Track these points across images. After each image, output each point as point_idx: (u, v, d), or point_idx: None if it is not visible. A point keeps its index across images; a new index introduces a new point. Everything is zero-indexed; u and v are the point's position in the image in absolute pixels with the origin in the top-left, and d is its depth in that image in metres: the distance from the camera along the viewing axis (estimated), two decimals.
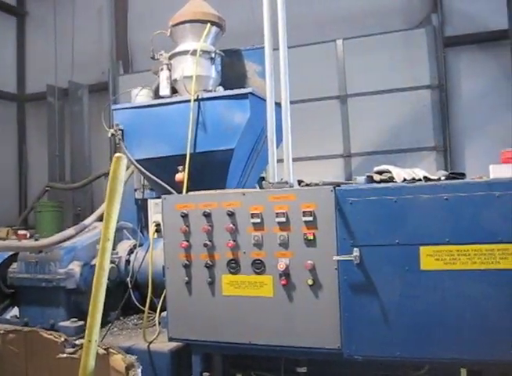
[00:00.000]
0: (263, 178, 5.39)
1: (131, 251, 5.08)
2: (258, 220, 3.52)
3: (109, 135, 4.92)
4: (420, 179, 3.42)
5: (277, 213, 3.46)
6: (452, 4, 7.91)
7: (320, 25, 8.04)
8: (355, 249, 3.26)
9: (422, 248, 3.20)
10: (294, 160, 4.16)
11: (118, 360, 2.60)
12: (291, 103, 4.16)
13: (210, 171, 4.65)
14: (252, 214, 3.53)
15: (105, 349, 2.75)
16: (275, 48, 4.10)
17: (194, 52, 4.87)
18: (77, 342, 2.91)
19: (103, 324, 4.48)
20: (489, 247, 3.11)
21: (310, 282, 3.39)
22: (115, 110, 5.08)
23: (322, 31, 7.88)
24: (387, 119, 7.90)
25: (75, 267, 4.68)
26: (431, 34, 7.52)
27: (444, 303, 3.21)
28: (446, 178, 3.43)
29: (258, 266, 3.54)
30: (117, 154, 2.52)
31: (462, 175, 3.44)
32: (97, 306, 2.52)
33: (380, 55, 7.87)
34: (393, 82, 7.55)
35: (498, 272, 3.11)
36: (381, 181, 3.46)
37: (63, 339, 2.94)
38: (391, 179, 3.44)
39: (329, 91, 7.64)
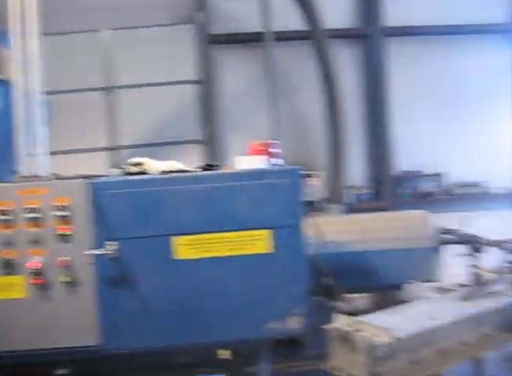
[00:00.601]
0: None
1: None
2: (7, 217, 3.26)
3: None
4: (176, 171, 3.49)
5: (28, 208, 3.25)
6: (217, 3, 8.21)
7: (85, 14, 7.74)
8: (111, 242, 3.21)
9: (177, 238, 3.29)
10: (55, 153, 3.96)
11: None
12: (49, 93, 3.94)
13: None
14: None
15: None
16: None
17: None
18: None
19: None
20: (239, 234, 3.31)
21: (66, 279, 3.26)
22: None
23: (87, 20, 7.60)
24: (156, 112, 7.95)
25: None
26: (197, 31, 7.73)
27: (200, 289, 3.35)
28: (201, 170, 3.55)
29: (9, 266, 3.29)
30: None
31: (216, 167, 3.60)
32: None
33: (147, 48, 7.86)
34: (161, 76, 7.58)
35: (247, 257, 3.33)
36: (136, 173, 3.46)
37: None
38: (146, 171, 3.46)
39: (94, 82, 7.41)
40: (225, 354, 3.66)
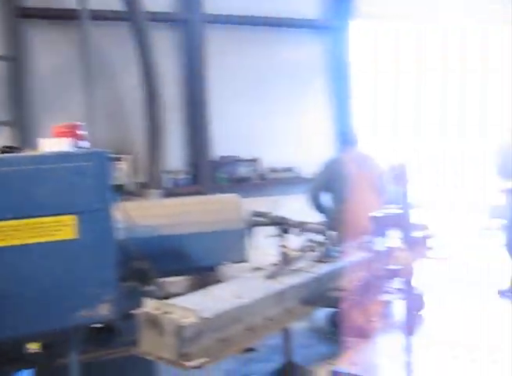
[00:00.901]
0: None
1: None
2: None
3: None
4: None
5: None
6: None
7: None
8: None
9: None
10: None
11: None
12: None
13: None
14: None
15: None
16: None
17: None
18: None
19: None
20: (43, 220, 3.15)
21: None
22: None
23: None
24: None
25: None
26: (4, 3, 7.14)
27: (3, 281, 3.13)
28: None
29: None
30: None
31: (17, 149, 3.38)
32: None
33: None
34: None
35: (52, 244, 3.18)
36: None
37: None
38: None
39: None
40: (33, 347, 3.50)
